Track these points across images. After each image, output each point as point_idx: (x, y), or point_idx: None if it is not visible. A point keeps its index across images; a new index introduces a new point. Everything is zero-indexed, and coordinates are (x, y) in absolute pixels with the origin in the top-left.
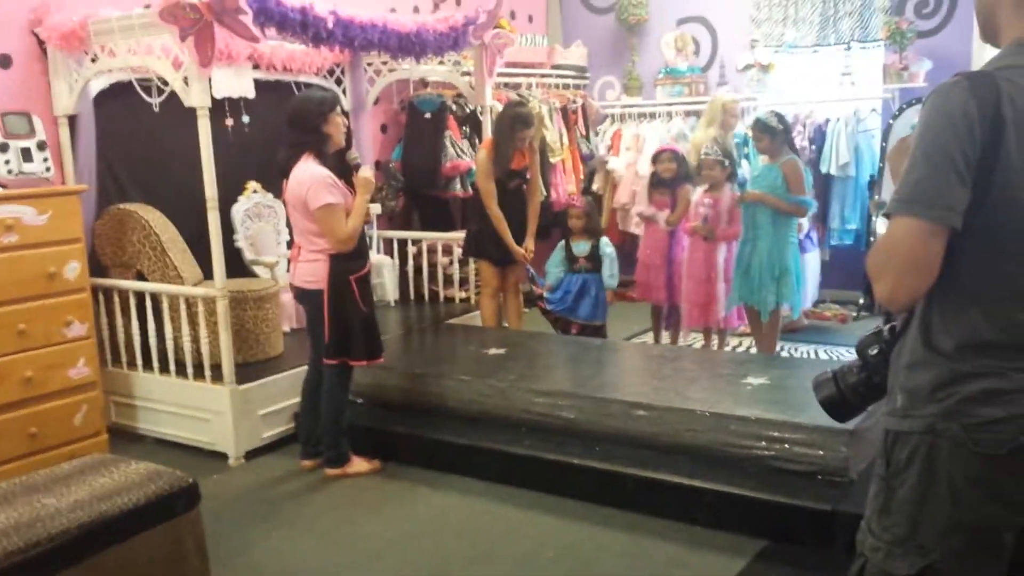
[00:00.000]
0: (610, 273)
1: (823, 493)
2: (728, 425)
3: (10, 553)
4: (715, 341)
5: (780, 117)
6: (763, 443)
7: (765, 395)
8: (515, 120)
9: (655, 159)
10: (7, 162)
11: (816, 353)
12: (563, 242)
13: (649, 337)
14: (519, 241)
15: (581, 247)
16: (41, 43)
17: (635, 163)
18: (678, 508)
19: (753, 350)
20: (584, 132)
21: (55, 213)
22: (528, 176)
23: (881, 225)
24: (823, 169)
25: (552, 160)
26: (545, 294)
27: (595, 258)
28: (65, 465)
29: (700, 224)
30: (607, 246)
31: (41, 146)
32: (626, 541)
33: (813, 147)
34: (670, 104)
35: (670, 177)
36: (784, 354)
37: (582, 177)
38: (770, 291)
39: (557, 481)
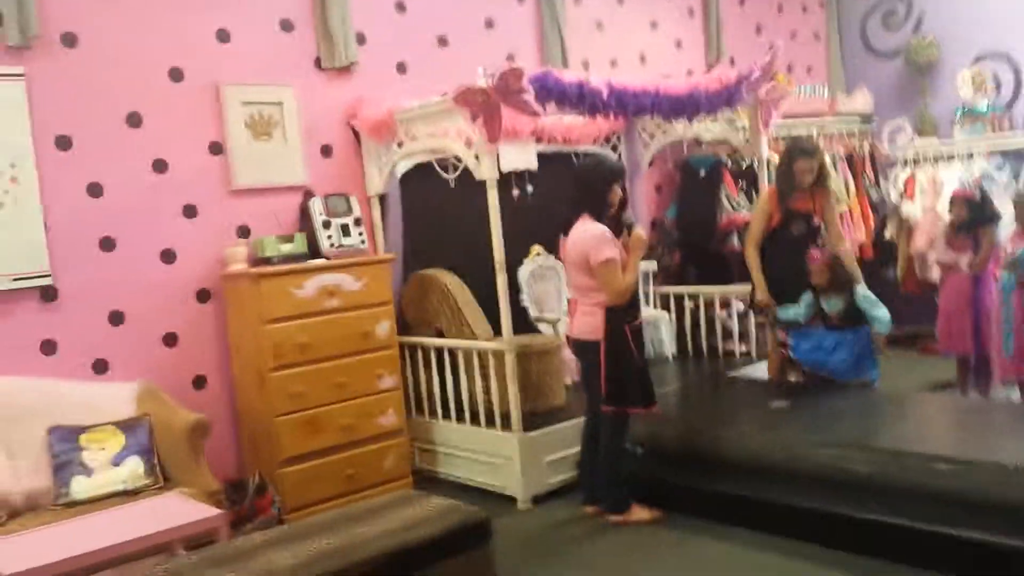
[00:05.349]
0: (877, 318)
1: None
2: None
3: (331, 573)
4: None
5: None
6: None
7: None
8: (791, 152)
9: (950, 204)
10: (329, 237)
11: None
12: (810, 293)
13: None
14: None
15: (832, 304)
16: (355, 133)
17: (933, 207)
18: (980, 567)
19: None
20: (873, 179)
21: (369, 280)
22: (816, 223)
23: None
24: None
25: (839, 209)
26: (789, 340)
27: (852, 313)
28: (378, 498)
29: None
30: (863, 291)
31: (357, 222)
32: None
33: None
34: (969, 144)
35: (961, 223)
36: None
37: (872, 225)
38: None
39: (845, 535)
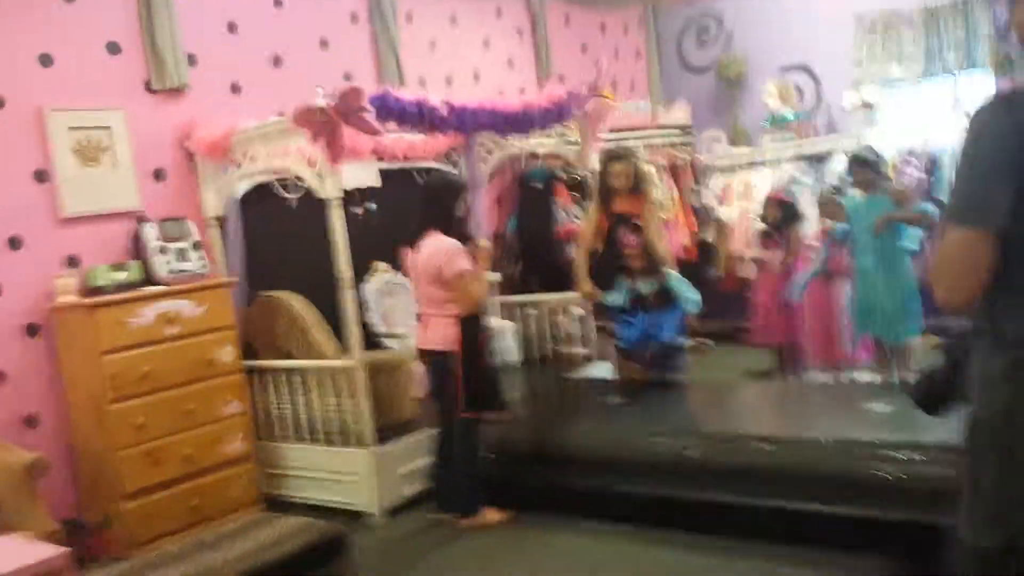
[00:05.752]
0: (689, 298)
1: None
2: (852, 450)
3: None
4: (840, 378)
5: (872, 150)
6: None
7: (889, 420)
8: (605, 158)
9: (763, 206)
10: (166, 263)
11: None
12: (625, 279)
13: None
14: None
15: (648, 285)
16: (190, 155)
17: (747, 211)
18: (809, 534)
19: None
20: (694, 186)
21: (210, 304)
22: (641, 225)
23: None
24: (942, 197)
25: (663, 216)
26: (617, 331)
27: (665, 294)
28: (230, 524)
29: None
30: (672, 275)
31: (196, 246)
32: (763, 568)
33: (933, 178)
34: (778, 151)
35: (773, 223)
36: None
37: (696, 230)
38: (907, 319)
39: (685, 517)
